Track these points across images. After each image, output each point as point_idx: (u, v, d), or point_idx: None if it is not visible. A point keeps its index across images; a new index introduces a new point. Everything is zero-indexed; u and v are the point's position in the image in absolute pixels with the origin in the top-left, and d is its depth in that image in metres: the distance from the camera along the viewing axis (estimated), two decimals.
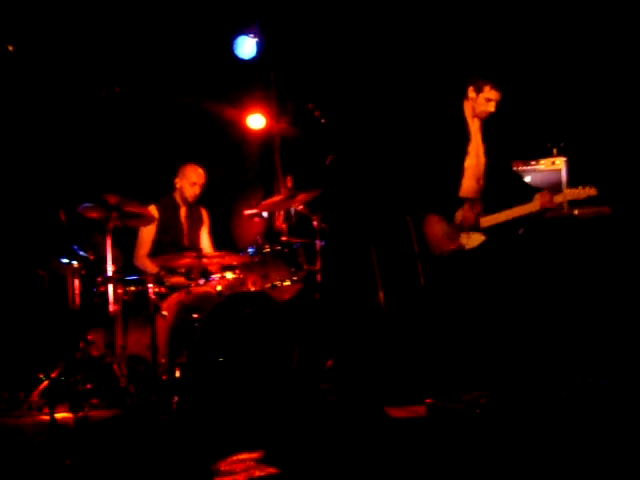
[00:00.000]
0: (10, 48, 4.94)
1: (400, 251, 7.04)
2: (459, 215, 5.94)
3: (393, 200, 7.35)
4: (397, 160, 7.00)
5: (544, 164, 6.97)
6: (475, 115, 6.06)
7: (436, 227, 6.05)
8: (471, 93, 6.02)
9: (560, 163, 6.93)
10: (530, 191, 5.95)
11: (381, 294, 7.35)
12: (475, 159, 6.09)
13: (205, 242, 7.43)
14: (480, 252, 5.96)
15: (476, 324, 5.88)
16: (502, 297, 5.91)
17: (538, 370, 5.98)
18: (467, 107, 6.09)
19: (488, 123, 6.10)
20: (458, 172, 6.05)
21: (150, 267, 6.93)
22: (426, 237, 6.09)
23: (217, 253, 6.80)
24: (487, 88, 5.95)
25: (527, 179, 6.85)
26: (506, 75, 6.11)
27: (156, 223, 7.01)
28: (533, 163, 6.99)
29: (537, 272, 6.33)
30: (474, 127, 6.10)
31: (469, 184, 6.07)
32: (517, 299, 6.02)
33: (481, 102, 6.00)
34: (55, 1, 7.24)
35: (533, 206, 5.87)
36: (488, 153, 6.11)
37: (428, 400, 5.59)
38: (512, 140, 6.31)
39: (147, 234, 7.12)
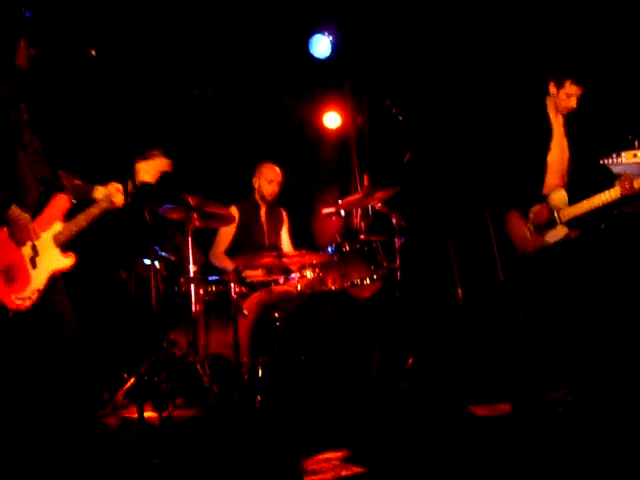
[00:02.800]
0: (93, 52, 4.98)
1: (478, 248, 6.99)
2: (533, 210, 5.89)
3: (471, 197, 7.30)
4: (476, 157, 6.94)
5: (625, 157, 6.80)
6: (558, 111, 6.00)
7: (518, 225, 5.99)
8: (552, 89, 5.97)
9: None
10: (613, 179, 5.81)
11: (459, 291, 7.29)
12: (559, 155, 6.02)
13: (285, 242, 7.50)
14: (563, 247, 5.87)
15: (561, 320, 5.80)
16: (586, 293, 5.82)
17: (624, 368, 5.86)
18: (549, 103, 6.03)
19: (571, 118, 6.03)
20: (541, 169, 5.99)
21: (227, 264, 7.01)
22: (509, 235, 6.04)
23: (297, 252, 6.83)
24: (568, 83, 5.89)
25: None
26: (586, 68, 6.02)
27: (236, 223, 7.10)
28: (614, 156, 6.83)
29: (620, 269, 6.20)
30: (557, 123, 6.04)
31: (553, 180, 6.00)
32: (600, 295, 5.91)
33: (562, 97, 5.93)
34: (137, 5, 7.39)
35: (614, 192, 5.70)
36: (572, 148, 6.03)
37: (513, 398, 5.52)
38: (597, 133, 6.20)
39: (226, 233, 7.23)
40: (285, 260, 6.55)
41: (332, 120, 8.21)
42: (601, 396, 5.41)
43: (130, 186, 4.89)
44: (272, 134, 8.31)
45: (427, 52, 7.92)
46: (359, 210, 7.48)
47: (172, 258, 6.58)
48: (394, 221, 6.88)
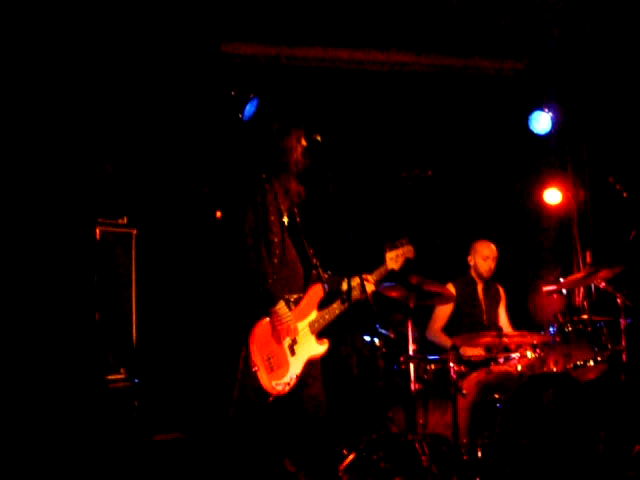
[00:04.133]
0: (318, 138, 5.19)
1: None
2: None
3: None
4: None
5: None
6: None
7: None
8: None
9: None
10: None
11: None
12: None
13: (503, 319, 7.42)
14: None
15: None
16: None
17: None
18: None
19: None
20: None
21: (445, 341, 7.03)
22: None
23: (517, 332, 6.71)
24: None
25: None
26: None
27: (453, 301, 7.10)
28: None
29: None
30: None
31: None
32: None
33: None
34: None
35: None
36: None
37: None
38: None
39: (444, 310, 7.27)
40: (505, 340, 6.45)
41: (553, 196, 8.07)
42: None
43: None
44: (491, 210, 8.31)
45: None
46: (582, 289, 7.28)
47: (391, 335, 6.63)
48: (619, 301, 6.64)
